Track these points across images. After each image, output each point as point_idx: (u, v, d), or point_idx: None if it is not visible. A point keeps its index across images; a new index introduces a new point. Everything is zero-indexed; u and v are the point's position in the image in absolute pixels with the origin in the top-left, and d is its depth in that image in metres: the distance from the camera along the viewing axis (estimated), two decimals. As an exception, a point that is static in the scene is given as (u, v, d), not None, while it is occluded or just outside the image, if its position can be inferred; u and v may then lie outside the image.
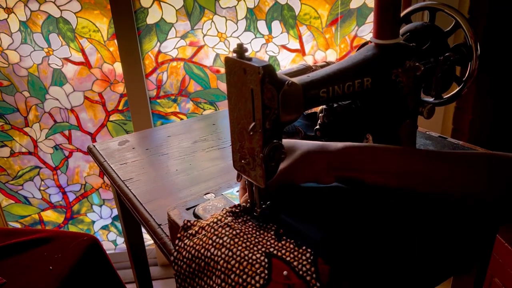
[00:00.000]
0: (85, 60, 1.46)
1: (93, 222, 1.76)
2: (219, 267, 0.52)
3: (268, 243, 0.54)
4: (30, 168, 1.64)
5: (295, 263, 0.51)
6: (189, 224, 0.59)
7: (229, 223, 0.56)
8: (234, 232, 0.55)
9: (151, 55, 1.45)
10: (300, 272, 0.50)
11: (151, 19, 1.40)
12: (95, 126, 1.58)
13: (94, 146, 0.89)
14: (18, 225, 1.73)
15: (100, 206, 1.73)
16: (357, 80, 0.60)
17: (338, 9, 1.43)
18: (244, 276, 0.49)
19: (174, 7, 1.40)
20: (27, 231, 1.15)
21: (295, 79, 0.55)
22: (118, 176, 0.78)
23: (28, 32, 1.41)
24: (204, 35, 1.44)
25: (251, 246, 0.53)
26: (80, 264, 1.06)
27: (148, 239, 1.50)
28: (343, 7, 1.43)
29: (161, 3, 1.39)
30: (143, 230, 0.85)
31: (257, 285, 0.48)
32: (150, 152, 0.86)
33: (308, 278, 0.49)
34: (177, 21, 1.42)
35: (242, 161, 0.56)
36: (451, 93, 0.71)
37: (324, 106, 0.70)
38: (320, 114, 0.71)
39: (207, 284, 0.53)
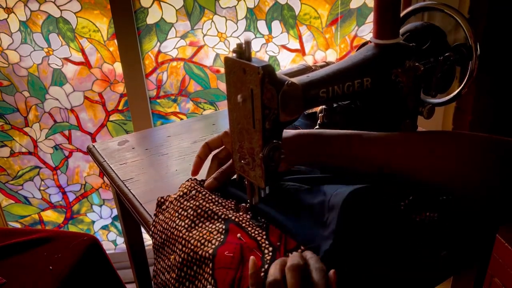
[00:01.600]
0: (85, 60, 1.46)
1: (93, 222, 1.76)
2: (181, 234, 0.57)
3: (227, 212, 0.60)
4: (30, 168, 1.64)
5: (249, 228, 0.56)
6: (162, 200, 0.65)
7: (193, 196, 0.62)
8: (197, 203, 0.60)
9: (151, 55, 1.45)
10: (253, 235, 0.55)
11: (151, 19, 1.40)
12: (95, 126, 1.58)
13: (93, 146, 0.89)
14: (18, 225, 1.73)
15: (100, 206, 1.73)
16: (357, 80, 0.60)
17: (338, 9, 1.43)
18: (202, 241, 0.55)
19: (174, 7, 1.40)
20: (27, 231, 1.15)
21: (295, 79, 0.55)
22: (118, 176, 0.78)
23: (28, 32, 1.41)
24: (204, 35, 1.44)
25: (212, 215, 0.59)
26: (80, 264, 1.06)
27: (148, 239, 1.49)
28: (343, 7, 1.43)
29: (161, 3, 1.39)
30: (143, 230, 0.85)
31: (213, 247, 0.53)
32: (150, 152, 0.86)
33: (258, 238, 0.55)
34: (177, 21, 1.42)
35: (242, 161, 0.56)
36: (451, 93, 0.71)
37: (324, 106, 0.70)
38: (320, 114, 0.71)
39: (172, 250, 0.58)
